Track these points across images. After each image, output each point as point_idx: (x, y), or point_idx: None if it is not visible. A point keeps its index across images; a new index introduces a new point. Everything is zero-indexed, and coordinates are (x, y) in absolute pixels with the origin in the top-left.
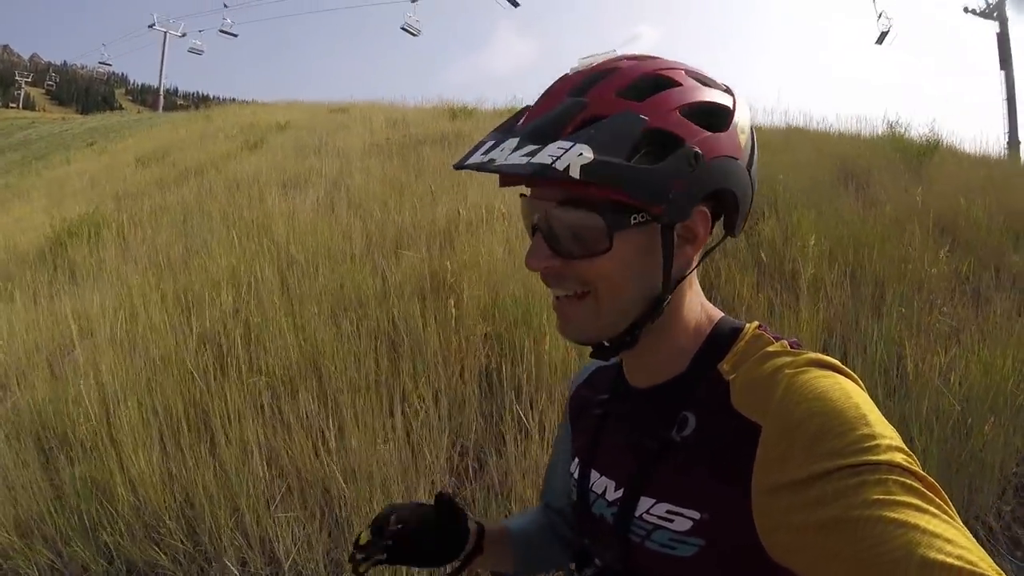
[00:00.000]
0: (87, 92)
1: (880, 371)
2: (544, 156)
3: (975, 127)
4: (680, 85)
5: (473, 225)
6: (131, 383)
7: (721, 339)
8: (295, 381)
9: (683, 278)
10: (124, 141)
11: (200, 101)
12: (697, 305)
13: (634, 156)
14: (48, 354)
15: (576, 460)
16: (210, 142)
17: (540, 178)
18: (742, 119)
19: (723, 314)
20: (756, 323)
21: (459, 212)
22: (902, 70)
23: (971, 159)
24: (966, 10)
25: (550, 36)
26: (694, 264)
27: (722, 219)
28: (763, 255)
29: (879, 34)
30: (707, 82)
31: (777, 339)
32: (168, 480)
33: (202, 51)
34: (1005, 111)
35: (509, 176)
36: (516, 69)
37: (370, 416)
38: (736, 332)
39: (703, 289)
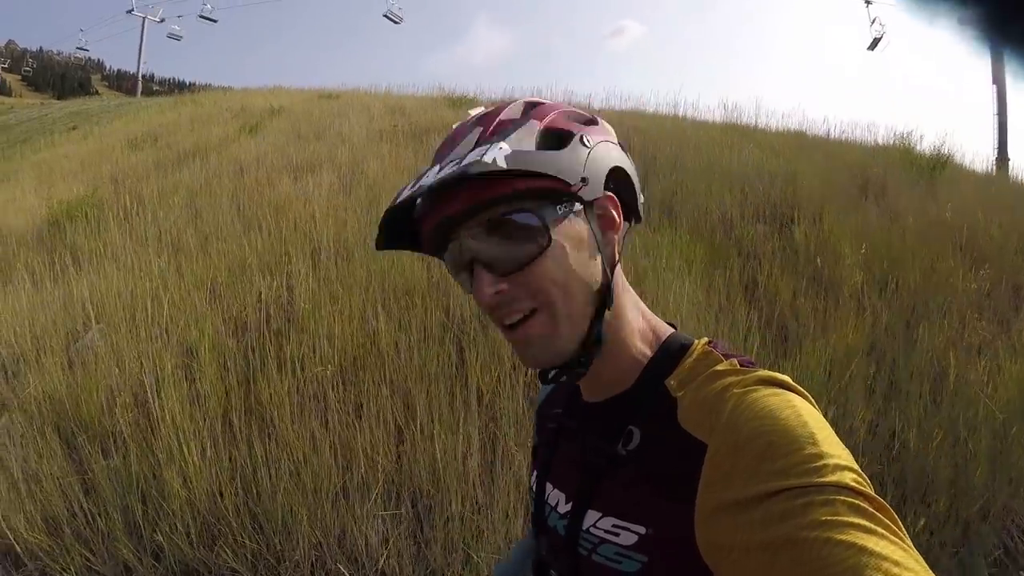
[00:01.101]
0: (63, 78)
1: (926, 380)
2: (469, 158)
3: (966, 139)
4: (546, 103)
5: None
6: (166, 370)
7: (669, 354)
8: (358, 372)
9: (616, 263)
10: (110, 125)
11: (177, 87)
12: (637, 313)
13: (543, 148)
14: (61, 339)
15: (534, 473)
16: (203, 126)
17: (469, 182)
18: (604, 122)
19: (673, 329)
20: (706, 339)
21: None
22: (896, 77)
23: (976, 175)
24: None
25: (528, 29)
26: (618, 251)
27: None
28: (814, 261)
29: (872, 40)
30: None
31: (727, 356)
32: (224, 473)
33: (181, 36)
34: (995, 127)
35: (444, 192)
36: (493, 61)
37: (443, 409)
38: (685, 348)
39: (744, 288)
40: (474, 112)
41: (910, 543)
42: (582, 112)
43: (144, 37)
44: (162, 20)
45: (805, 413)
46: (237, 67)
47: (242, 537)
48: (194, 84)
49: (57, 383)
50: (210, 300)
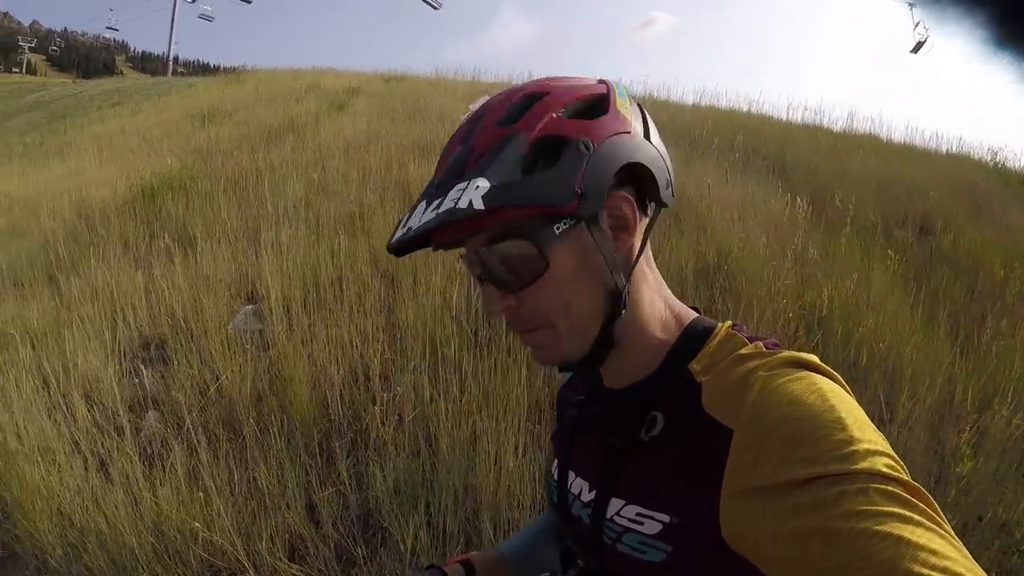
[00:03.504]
0: (88, 58)
1: None
2: (447, 203)
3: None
4: (548, 94)
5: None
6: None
7: (693, 339)
8: None
9: (634, 265)
10: (161, 100)
11: (202, 69)
12: (659, 301)
13: (532, 170)
14: (224, 321)
15: (555, 461)
16: (277, 103)
17: (452, 224)
18: (619, 99)
19: (697, 314)
20: (729, 323)
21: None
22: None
23: None
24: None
25: (554, 18)
26: (637, 249)
27: (648, 195)
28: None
29: (915, 43)
30: (575, 82)
31: (752, 340)
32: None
33: (213, 17)
34: None
35: (429, 236)
36: (518, 49)
37: None
38: (708, 332)
39: (919, 292)
40: (474, 107)
41: (948, 528)
42: (593, 91)
43: (175, 17)
44: (193, 0)
45: (832, 396)
46: (262, 49)
47: None
48: (219, 66)
49: (245, 373)
50: (417, 287)
